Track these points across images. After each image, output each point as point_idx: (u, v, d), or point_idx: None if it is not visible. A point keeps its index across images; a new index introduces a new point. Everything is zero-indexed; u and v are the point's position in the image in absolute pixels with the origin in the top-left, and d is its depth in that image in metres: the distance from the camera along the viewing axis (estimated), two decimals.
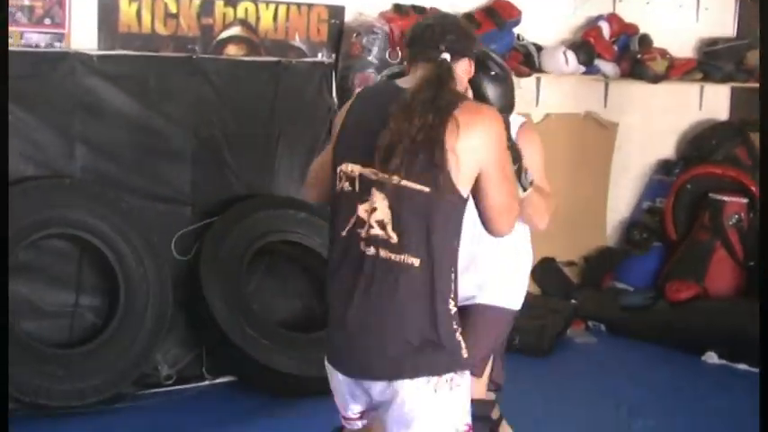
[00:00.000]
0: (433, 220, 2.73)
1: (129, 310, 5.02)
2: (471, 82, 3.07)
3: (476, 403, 3.80)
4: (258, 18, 5.67)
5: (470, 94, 3.09)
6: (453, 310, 2.81)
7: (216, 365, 5.36)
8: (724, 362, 6.08)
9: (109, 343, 4.95)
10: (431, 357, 2.78)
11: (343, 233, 2.82)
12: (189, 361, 5.32)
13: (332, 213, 2.91)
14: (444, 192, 2.71)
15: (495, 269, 3.76)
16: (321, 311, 5.57)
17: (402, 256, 2.73)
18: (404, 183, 2.70)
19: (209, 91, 5.46)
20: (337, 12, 5.93)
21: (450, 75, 2.84)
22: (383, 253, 2.75)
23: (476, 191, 2.79)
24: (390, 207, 2.74)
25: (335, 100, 5.87)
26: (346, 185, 2.81)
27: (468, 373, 2.89)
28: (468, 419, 2.90)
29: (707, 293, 6.78)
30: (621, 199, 7.59)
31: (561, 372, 5.90)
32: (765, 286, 3.76)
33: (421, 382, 2.77)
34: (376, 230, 2.75)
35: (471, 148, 2.72)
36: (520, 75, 6.27)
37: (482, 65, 3.14)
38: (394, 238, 2.73)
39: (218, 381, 5.37)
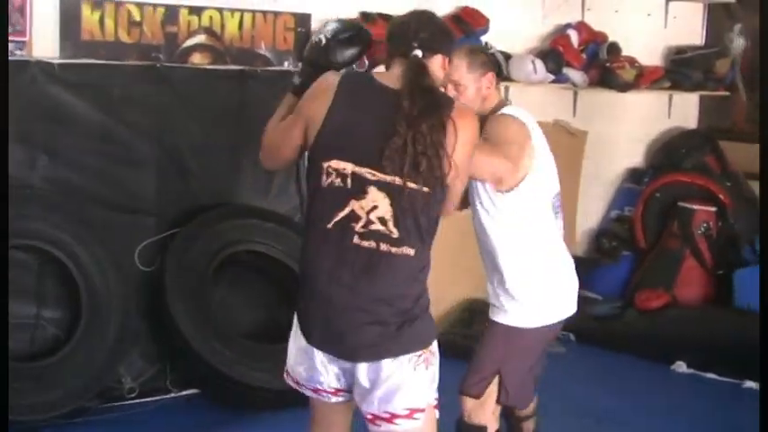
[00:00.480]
0: (428, 214, 2.97)
1: (92, 322, 4.93)
2: None
3: (465, 427, 3.81)
4: (223, 26, 5.61)
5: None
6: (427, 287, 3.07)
7: (180, 378, 5.29)
8: (693, 371, 6.07)
9: (71, 356, 4.86)
10: (410, 335, 2.99)
11: (329, 225, 2.96)
12: (153, 374, 5.25)
13: (313, 203, 3.05)
14: (441, 190, 2.96)
15: (510, 282, 3.73)
16: (287, 322, 5.49)
17: (402, 249, 2.95)
18: (409, 184, 2.89)
19: (174, 100, 5.39)
20: (304, 20, 5.88)
21: (425, 72, 2.98)
22: (384, 246, 2.94)
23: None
24: (392, 205, 2.93)
25: None
26: (337, 181, 2.94)
27: (435, 345, 3.07)
28: (437, 394, 3.09)
29: (676, 302, 6.75)
30: (591, 207, 7.57)
31: None
32: (765, 287, 3.75)
33: (403, 360, 2.98)
34: (377, 226, 2.94)
35: (464, 146, 2.96)
36: None
37: None
38: (395, 234, 2.94)
39: (182, 394, 5.29)
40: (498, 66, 6.54)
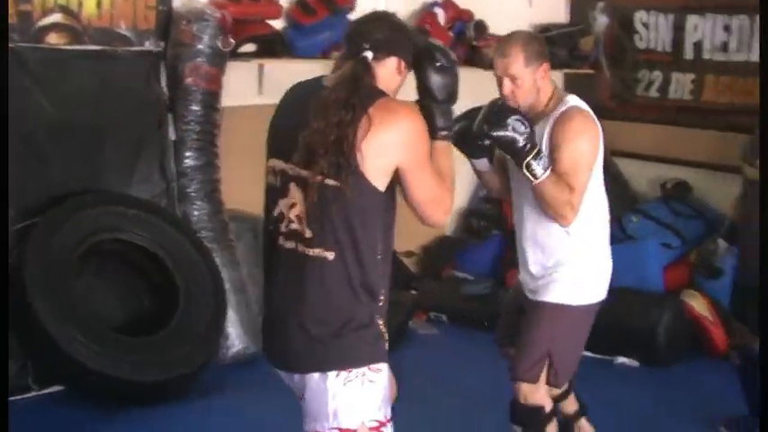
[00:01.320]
0: (349, 214, 2.80)
1: None
2: (417, 73, 3.07)
3: (523, 409, 3.83)
4: (81, 4, 5.35)
5: None
6: (376, 303, 2.90)
7: (43, 375, 5.07)
8: None
9: None
10: (341, 351, 2.86)
11: (270, 227, 2.96)
12: (14, 372, 4.97)
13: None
14: (356, 187, 2.77)
15: (561, 259, 3.76)
16: (154, 313, 5.36)
17: (316, 250, 2.83)
18: (318, 179, 2.78)
19: (30, 82, 5.15)
20: None
21: (366, 72, 2.89)
22: (300, 247, 2.86)
23: (402, 186, 2.89)
24: (305, 202, 2.83)
25: (165, 90, 5.63)
26: (273, 181, 2.94)
27: (385, 367, 2.95)
28: (381, 416, 2.94)
29: None
30: (459, 187, 7.50)
31: (404, 365, 5.77)
32: (765, 288, 3.76)
33: (330, 376, 2.85)
34: (295, 225, 2.87)
35: (383, 145, 2.78)
36: None
37: (428, 56, 3.08)
38: (308, 233, 2.84)
39: (46, 391, 5.08)
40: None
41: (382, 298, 2.93)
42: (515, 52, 3.65)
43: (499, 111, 3.60)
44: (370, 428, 2.91)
